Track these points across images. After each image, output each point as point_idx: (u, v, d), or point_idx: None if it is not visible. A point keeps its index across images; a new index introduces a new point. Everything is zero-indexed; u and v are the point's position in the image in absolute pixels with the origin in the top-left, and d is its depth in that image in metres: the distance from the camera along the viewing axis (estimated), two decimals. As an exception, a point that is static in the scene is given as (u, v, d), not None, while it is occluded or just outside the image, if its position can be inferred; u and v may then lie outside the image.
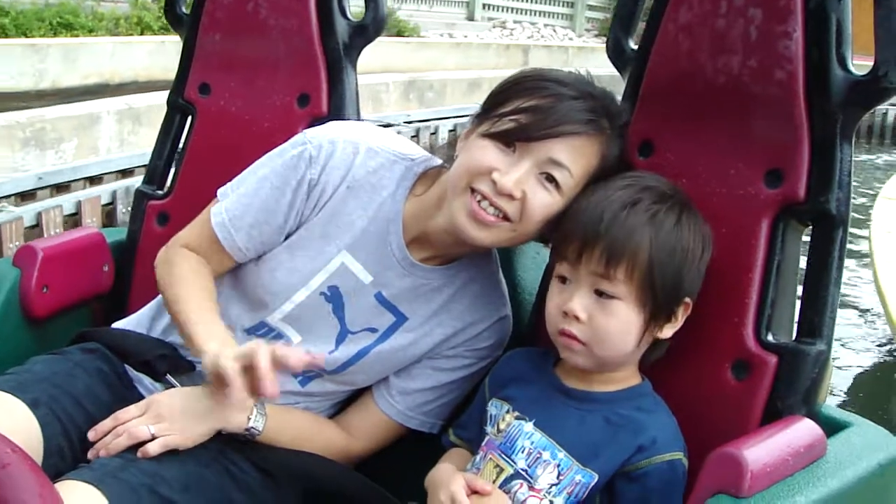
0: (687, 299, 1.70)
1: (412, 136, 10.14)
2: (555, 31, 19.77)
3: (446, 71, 13.25)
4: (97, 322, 2.43)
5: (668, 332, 1.70)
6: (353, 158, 1.89)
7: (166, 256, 2.00)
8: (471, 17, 18.89)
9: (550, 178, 1.73)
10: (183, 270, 1.93)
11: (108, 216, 7.11)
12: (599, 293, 1.65)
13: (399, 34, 15.27)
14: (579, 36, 19.77)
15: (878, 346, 6.55)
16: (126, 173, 7.01)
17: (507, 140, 1.74)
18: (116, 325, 2.17)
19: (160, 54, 10.13)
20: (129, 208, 6.87)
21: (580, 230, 1.67)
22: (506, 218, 1.74)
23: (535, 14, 20.09)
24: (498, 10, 19.51)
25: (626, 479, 1.64)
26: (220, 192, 1.98)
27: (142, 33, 11.60)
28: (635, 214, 1.65)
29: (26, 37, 10.24)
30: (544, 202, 1.74)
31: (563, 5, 20.66)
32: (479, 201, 1.74)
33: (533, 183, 1.73)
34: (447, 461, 1.86)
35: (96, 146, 7.45)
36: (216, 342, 1.76)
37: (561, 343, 1.71)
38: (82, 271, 2.37)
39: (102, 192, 7.20)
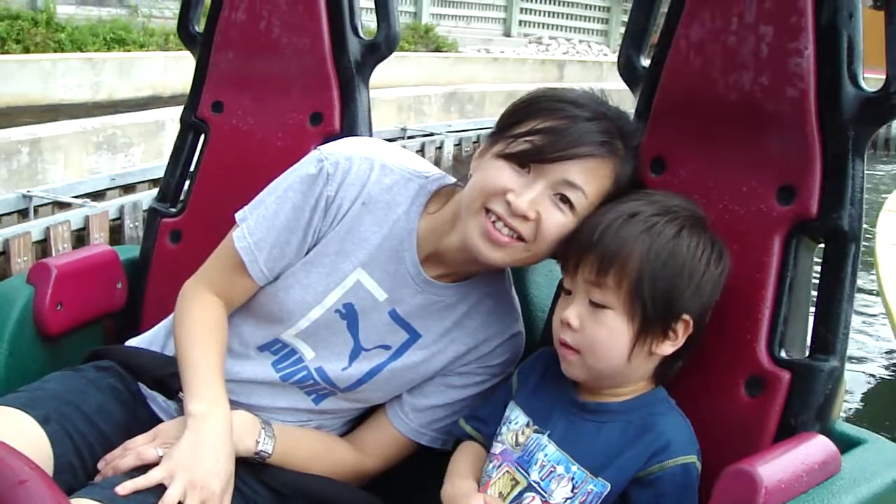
0: (685, 316, 1.68)
1: (455, 145, 11.40)
2: (590, 46, 20.11)
3: (484, 84, 13.73)
4: (110, 339, 2.43)
5: (666, 348, 1.69)
6: (369, 175, 1.89)
7: (188, 294, 1.99)
8: (507, 34, 19.15)
9: (565, 199, 1.73)
10: (197, 323, 1.92)
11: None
12: (593, 303, 1.67)
13: (438, 49, 16.13)
14: (613, 52, 20.02)
15: (884, 357, 6.54)
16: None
17: (522, 161, 1.74)
18: (130, 342, 2.17)
19: None
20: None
21: (577, 240, 1.69)
22: (520, 238, 1.74)
23: (570, 30, 20.56)
24: (534, 27, 19.96)
25: (639, 485, 1.64)
26: (238, 216, 1.97)
27: None
28: (631, 225, 1.66)
29: (82, 51, 10.89)
30: (558, 223, 1.73)
31: (597, 22, 20.96)
32: (493, 222, 1.74)
33: (547, 204, 1.73)
34: (462, 460, 1.87)
35: (161, 151, 8.01)
36: (205, 403, 1.80)
37: (560, 354, 1.73)
38: (96, 289, 2.37)
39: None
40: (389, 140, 1.86)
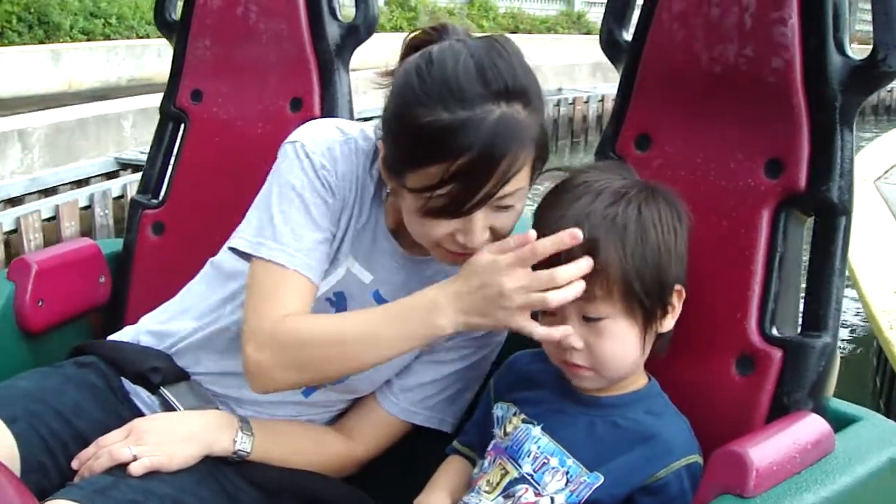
0: (677, 286, 1.64)
1: (598, 101, 14.37)
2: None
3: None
4: (95, 335, 2.41)
5: (668, 323, 1.66)
6: (354, 161, 1.82)
7: (268, 343, 1.71)
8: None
9: (505, 206, 1.64)
10: (312, 328, 1.73)
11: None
12: (587, 318, 1.61)
13: (588, 33, 19.73)
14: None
15: (850, 327, 6.52)
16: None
17: (450, 216, 1.63)
18: (113, 336, 2.14)
19: (391, 47, 11.78)
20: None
21: (541, 266, 1.57)
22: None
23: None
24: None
25: (646, 493, 1.60)
26: (257, 252, 1.76)
27: (377, 31, 13.21)
28: (591, 231, 1.56)
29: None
30: (510, 222, 1.67)
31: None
32: (453, 251, 1.68)
33: (492, 217, 1.64)
34: (443, 472, 1.83)
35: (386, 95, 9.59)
36: (441, 318, 1.62)
37: (568, 372, 1.67)
38: (78, 284, 2.35)
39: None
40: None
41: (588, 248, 1.55)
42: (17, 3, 12.05)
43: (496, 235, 1.67)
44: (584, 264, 1.54)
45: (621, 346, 1.61)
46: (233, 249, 1.80)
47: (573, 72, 15.49)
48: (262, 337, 1.70)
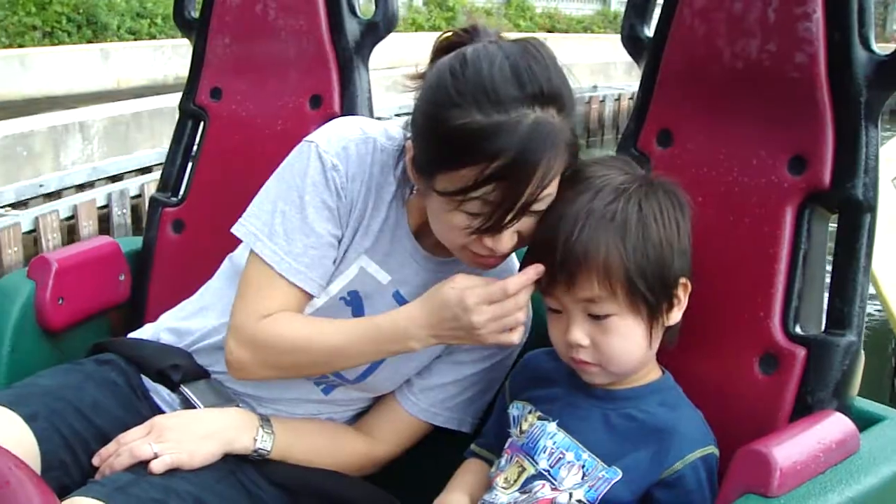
0: (682, 279, 1.63)
1: (630, 99, 14.63)
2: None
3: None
4: (116, 332, 2.41)
5: (675, 316, 1.65)
6: (370, 160, 1.82)
7: (247, 341, 1.80)
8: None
9: (534, 212, 1.63)
10: (285, 332, 1.78)
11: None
12: (593, 316, 1.60)
13: None
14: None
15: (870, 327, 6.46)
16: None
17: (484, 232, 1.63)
18: (133, 334, 2.14)
19: (430, 46, 13.16)
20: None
21: (544, 264, 1.60)
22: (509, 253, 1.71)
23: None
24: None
25: (662, 487, 1.58)
26: (250, 241, 1.81)
27: (416, 31, 16.09)
28: (593, 228, 1.56)
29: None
30: (535, 225, 1.66)
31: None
32: (480, 255, 1.68)
33: (520, 222, 1.62)
34: (462, 474, 1.83)
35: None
36: (412, 341, 1.71)
37: (577, 368, 1.67)
38: (98, 282, 2.35)
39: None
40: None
41: (589, 247, 1.55)
42: (66, 3, 12.56)
43: (522, 240, 1.67)
44: (533, 272, 1.60)
45: (627, 342, 1.61)
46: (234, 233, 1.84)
47: (608, 70, 16.10)
48: (244, 335, 1.80)
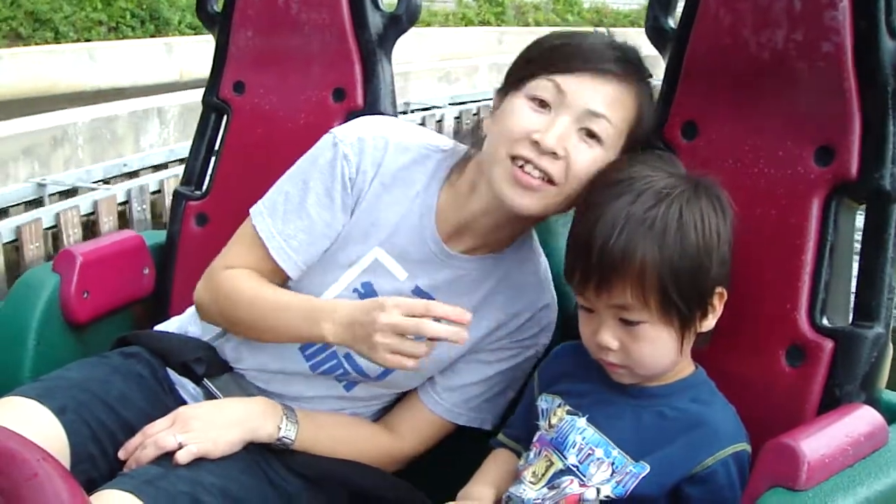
0: (719, 289, 1.61)
1: None
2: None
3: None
4: (140, 326, 2.41)
5: (709, 323, 1.63)
6: (384, 153, 1.84)
7: (211, 286, 1.93)
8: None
9: (591, 134, 1.67)
10: (241, 286, 1.87)
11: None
12: (624, 320, 1.58)
13: None
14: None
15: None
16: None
17: (542, 101, 1.69)
18: (159, 327, 2.15)
19: (479, 39, 15.65)
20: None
21: (578, 264, 1.60)
22: (550, 181, 1.67)
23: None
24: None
25: (693, 482, 1.57)
26: (255, 211, 1.91)
27: (465, 25, 17.37)
28: (631, 233, 1.54)
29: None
30: (588, 158, 1.67)
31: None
32: (521, 166, 1.67)
33: (574, 140, 1.67)
34: (488, 465, 1.82)
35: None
36: (328, 322, 1.73)
37: (607, 369, 1.66)
38: (122, 275, 2.35)
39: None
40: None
41: (625, 254, 1.54)
42: (130, 0, 13.48)
43: (570, 166, 1.67)
44: (459, 313, 1.63)
45: (657, 349, 1.60)
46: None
47: (658, 62, 16.16)
48: (210, 279, 1.93)
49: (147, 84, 11.30)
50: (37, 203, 7.30)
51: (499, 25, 17.93)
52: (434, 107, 11.90)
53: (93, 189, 7.52)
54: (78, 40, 12.46)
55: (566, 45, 1.72)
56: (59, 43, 12.19)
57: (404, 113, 11.43)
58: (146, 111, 8.70)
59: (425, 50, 14.55)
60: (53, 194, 7.39)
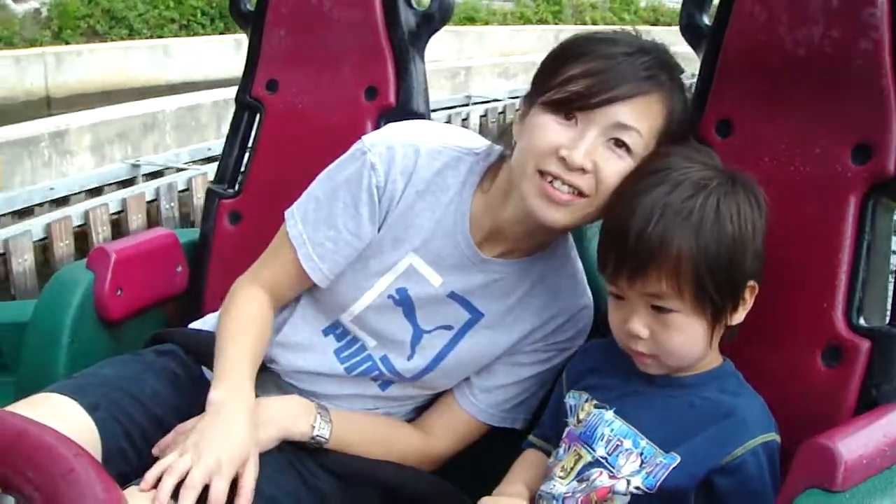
0: (751, 282, 1.60)
1: None
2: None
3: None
4: (173, 323, 2.43)
5: (739, 316, 1.62)
6: (416, 161, 1.83)
7: (236, 290, 1.95)
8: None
9: (620, 143, 1.64)
10: (238, 318, 1.89)
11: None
12: (656, 308, 1.57)
13: None
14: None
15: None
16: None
17: (567, 111, 1.65)
18: (192, 325, 2.16)
19: (537, 37, 16.03)
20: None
21: (612, 252, 1.59)
22: (580, 194, 1.65)
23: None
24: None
25: (723, 473, 1.56)
26: (288, 214, 1.92)
27: (524, 24, 17.81)
28: (668, 223, 1.53)
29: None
30: (618, 169, 1.64)
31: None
32: (550, 181, 1.66)
33: (602, 151, 1.64)
34: (520, 464, 1.82)
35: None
36: (224, 392, 1.74)
37: (635, 359, 1.66)
38: (156, 273, 2.36)
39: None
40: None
41: (662, 243, 1.53)
42: None
43: (599, 177, 1.64)
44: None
45: (688, 339, 1.59)
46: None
47: (693, 60, 16.89)
48: (237, 284, 1.97)
49: (218, 78, 11.56)
50: (130, 182, 7.99)
51: (556, 24, 18.14)
52: (495, 100, 12.91)
53: (183, 169, 8.30)
54: (151, 37, 12.93)
55: (593, 72, 1.65)
56: (133, 39, 12.70)
57: (465, 105, 12.66)
58: (227, 101, 8.94)
59: (486, 47, 15.50)
60: (147, 174, 8.08)
